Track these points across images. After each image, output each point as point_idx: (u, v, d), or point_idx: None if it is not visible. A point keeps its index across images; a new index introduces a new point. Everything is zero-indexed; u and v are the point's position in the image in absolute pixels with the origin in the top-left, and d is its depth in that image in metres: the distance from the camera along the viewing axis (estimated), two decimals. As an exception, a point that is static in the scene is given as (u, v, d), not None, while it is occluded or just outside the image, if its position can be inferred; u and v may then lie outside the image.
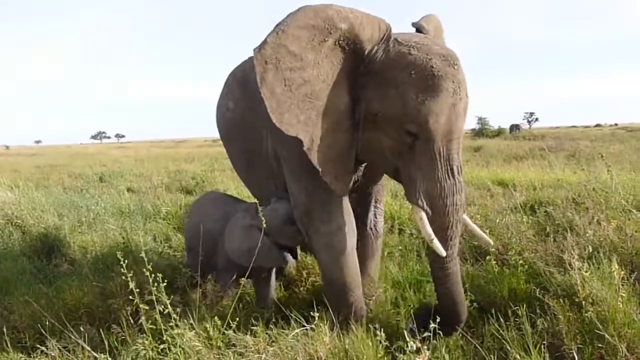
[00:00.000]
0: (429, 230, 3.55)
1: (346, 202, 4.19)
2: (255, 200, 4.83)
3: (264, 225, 4.18)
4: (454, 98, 3.40)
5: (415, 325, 3.73)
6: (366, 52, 3.58)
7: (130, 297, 3.67)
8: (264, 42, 3.45)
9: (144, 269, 3.50)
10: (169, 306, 3.58)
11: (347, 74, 3.65)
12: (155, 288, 3.54)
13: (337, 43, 3.56)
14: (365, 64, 3.61)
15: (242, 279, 4.38)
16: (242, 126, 4.66)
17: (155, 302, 3.55)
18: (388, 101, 3.52)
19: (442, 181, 3.50)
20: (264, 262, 4.45)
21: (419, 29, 3.99)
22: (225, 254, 4.62)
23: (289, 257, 4.63)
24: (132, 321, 4.12)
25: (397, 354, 3.35)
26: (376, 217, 4.86)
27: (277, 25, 3.48)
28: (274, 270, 4.91)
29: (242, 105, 4.68)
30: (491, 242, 4.05)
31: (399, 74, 3.46)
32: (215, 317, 3.87)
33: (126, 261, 3.56)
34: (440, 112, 3.37)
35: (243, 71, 4.81)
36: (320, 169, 3.75)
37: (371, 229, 4.82)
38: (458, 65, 3.48)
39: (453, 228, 3.60)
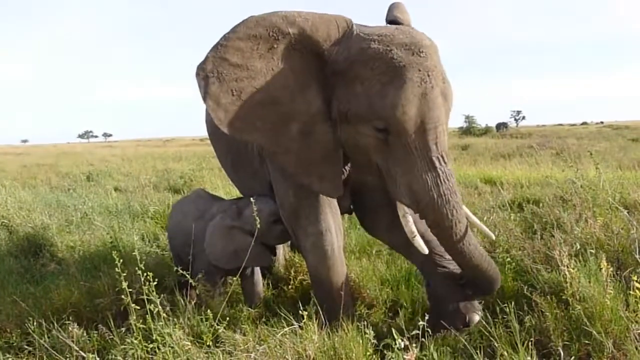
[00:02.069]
0: (412, 228, 3.59)
1: (334, 202, 4.19)
2: (233, 199, 4.82)
3: (247, 226, 4.18)
4: (423, 87, 3.30)
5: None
6: (326, 52, 3.57)
7: (118, 296, 3.65)
8: (205, 57, 3.52)
9: (133, 268, 3.49)
10: (159, 305, 3.57)
11: (314, 76, 3.63)
12: (146, 287, 3.53)
13: (290, 48, 3.57)
14: (329, 64, 3.58)
15: (231, 278, 4.38)
16: None
17: (146, 301, 3.54)
18: (355, 99, 3.47)
19: (422, 174, 3.40)
20: (250, 262, 4.43)
21: (394, 21, 3.91)
22: (205, 257, 4.58)
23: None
24: (120, 320, 4.10)
25: (385, 352, 3.35)
26: None
27: (219, 39, 3.54)
28: (257, 267, 4.90)
29: None
30: (492, 235, 4.03)
31: (361, 69, 3.42)
32: (204, 316, 3.87)
33: (121, 260, 3.55)
34: (406, 103, 3.28)
35: None
36: (295, 172, 3.82)
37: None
38: (426, 53, 3.37)
39: (450, 217, 3.44)
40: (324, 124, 3.70)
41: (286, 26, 3.52)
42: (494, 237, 4.09)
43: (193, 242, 4.61)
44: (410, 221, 3.59)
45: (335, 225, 4.14)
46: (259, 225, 4.10)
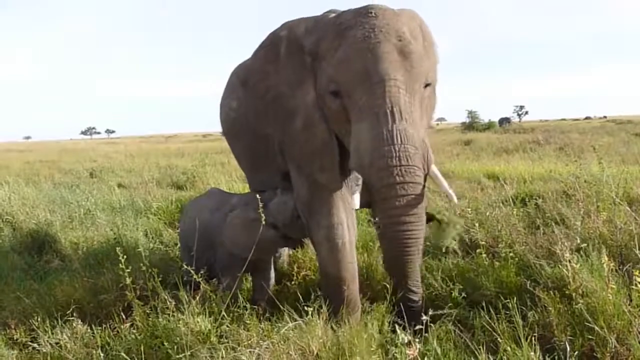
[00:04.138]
0: (356, 188, 3.96)
1: (348, 198, 4.21)
2: (253, 192, 4.83)
3: (271, 219, 4.23)
4: (367, 42, 3.35)
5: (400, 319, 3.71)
6: (305, 45, 3.80)
7: (122, 292, 3.66)
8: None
9: (136, 264, 3.49)
10: (166, 301, 3.58)
11: (308, 70, 3.81)
12: (151, 283, 3.54)
13: (288, 48, 3.92)
14: (308, 53, 3.79)
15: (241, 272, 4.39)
16: (247, 125, 4.67)
17: (151, 297, 3.55)
18: (321, 74, 3.64)
19: (365, 133, 3.34)
20: (268, 253, 4.50)
21: None
22: (226, 250, 4.57)
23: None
24: (123, 316, 4.12)
25: (388, 347, 3.35)
26: None
27: None
28: (272, 261, 4.91)
29: (246, 104, 4.68)
30: (455, 199, 3.81)
31: (322, 44, 3.63)
32: (208, 312, 3.87)
33: (124, 256, 3.56)
34: (349, 59, 3.38)
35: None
36: (300, 162, 4.08)
37: None
38: (378, 14, 3.45)
39: (392, 186, 3.29)
40: (317, 115, 3.80)
41: (281, 30, 4.06)
42: (456, 201, 3.91)
43: (211, 233, 4.62)
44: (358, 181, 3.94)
45: (348, 220, 4.19)
46: (280, 217, 4.33)
